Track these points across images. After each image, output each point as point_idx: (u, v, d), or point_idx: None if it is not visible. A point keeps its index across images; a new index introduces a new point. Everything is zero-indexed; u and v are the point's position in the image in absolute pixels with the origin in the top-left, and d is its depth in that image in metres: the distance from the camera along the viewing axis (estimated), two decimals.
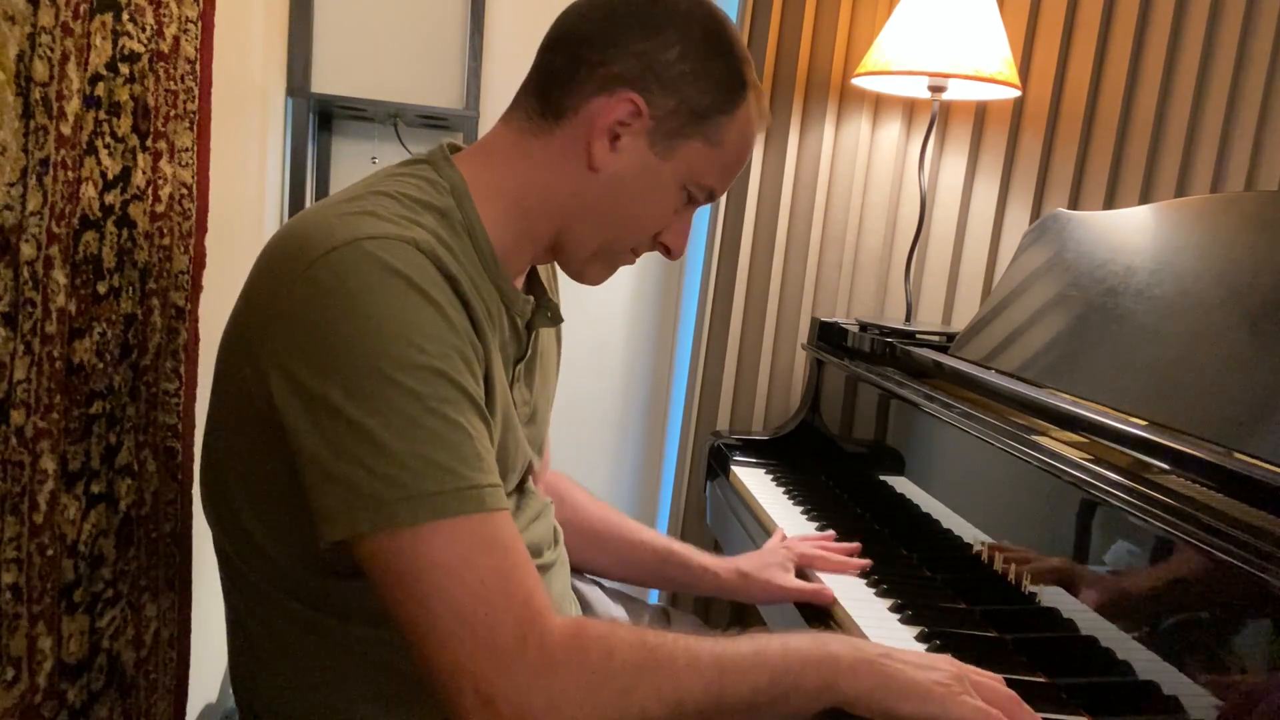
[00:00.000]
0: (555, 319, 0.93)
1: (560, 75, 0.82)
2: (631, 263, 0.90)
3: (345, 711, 0.81)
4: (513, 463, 0.87)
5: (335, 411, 0.66)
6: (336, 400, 0.66)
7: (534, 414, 0.95)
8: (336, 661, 0.80)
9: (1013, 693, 0.78)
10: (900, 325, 1.65)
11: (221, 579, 0.86)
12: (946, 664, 0.77)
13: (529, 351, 0.90)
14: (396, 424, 0.65)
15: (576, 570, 1.15)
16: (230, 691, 0.90)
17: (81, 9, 0.70)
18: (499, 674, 0.64)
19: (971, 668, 0.79)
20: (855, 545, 1.23)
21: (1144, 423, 0.97)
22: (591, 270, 0.89)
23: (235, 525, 0.79)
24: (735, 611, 1.94)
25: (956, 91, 1.71)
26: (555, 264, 0.98)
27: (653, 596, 2.10)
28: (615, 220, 0.84)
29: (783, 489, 1.55)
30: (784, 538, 1.26)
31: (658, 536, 1.19)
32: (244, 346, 0.73)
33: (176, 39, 0.93)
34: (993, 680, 0.79)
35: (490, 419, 0.75)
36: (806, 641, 0.75)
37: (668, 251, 0.89)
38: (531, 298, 0.88)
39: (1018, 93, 1.70)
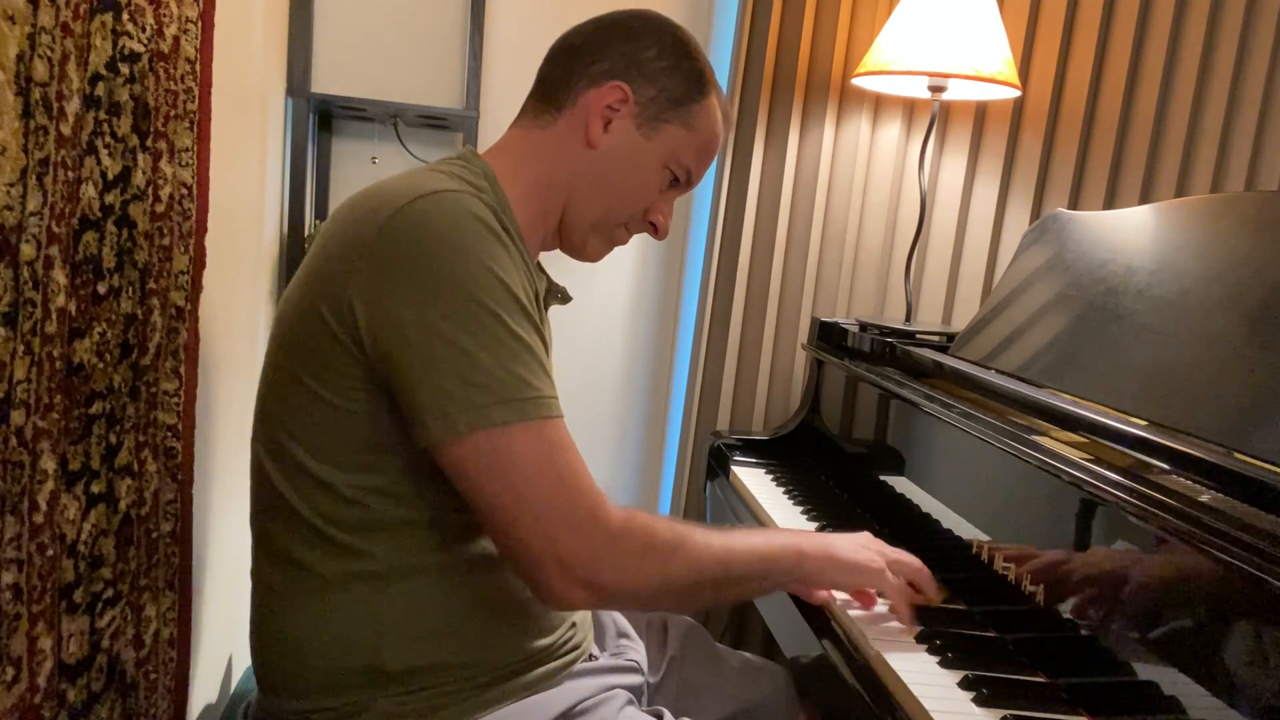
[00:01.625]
0: (565, 298, 1.03)
1: (559, 79, 0.98)
2: (625, 241, 1.04)
3: (369, 652, 0.85)
4: None
5: (432, 330, 0.78)
6: (432, 321, 0.78)
7: None
8: (366, 594, 0.85)
9: (920, 566, 1.05)
10: (900, 325, 1.64)
11: (254, 514, 0.91)
12: (874, 546, 1.04)
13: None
14: (485, 341, 0.79)
15: None
16: (230, 692, 0.90)
17: (81, 9, 0.70)
18: (577, 545, 0.81)
19: (890, 547, 1.05)
20: None
21: (1144, 423, 0.97)
22: (591, 244, 1.02)
23: (290, 458, 0.86)
24: (733, 615, 1.95)
25: (956, 91, 1.71)
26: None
27: None
28: (610, 192, 0.99)
29: (783, 489, 1.55)
30: None
31: None
32: (319, 292, 0.83)
33: (176, 39, 0.93)
34: (906, 558, 1.05)
35: (547, 344, 0.88)
36: (784, 537, 1.02)
37: (655, 230, 1.03)
38: (546, 276, 0.99)
39: (1018, 93, 1.70)
